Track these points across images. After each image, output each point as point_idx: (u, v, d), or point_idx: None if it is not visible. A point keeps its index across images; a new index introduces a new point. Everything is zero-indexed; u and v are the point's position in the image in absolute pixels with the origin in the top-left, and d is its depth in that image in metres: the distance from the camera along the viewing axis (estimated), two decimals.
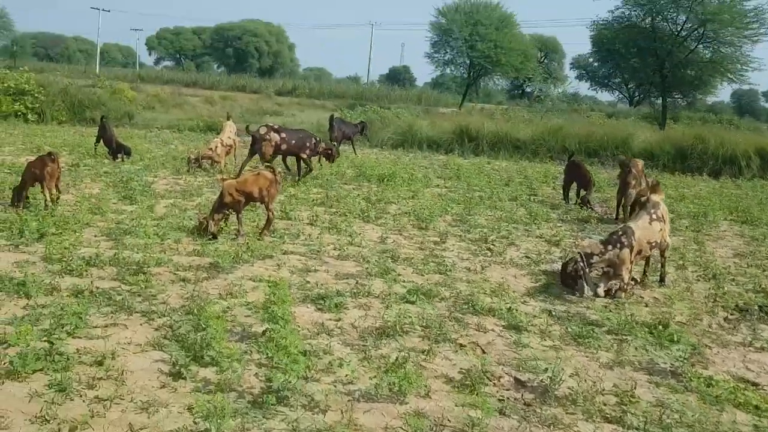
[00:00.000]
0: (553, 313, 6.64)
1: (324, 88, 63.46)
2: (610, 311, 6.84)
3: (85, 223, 8.83)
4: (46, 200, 9.53)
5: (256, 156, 13.46)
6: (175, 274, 7.01)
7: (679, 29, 34.18)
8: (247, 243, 8.29)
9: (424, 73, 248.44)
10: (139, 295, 6.28)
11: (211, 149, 14.70)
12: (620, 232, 7.55)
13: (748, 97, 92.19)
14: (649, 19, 34.87)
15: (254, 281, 6.94)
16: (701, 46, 34.59)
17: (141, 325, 5.60)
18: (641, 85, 41.28)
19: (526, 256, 9.02)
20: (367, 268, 7.70)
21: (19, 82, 23.31)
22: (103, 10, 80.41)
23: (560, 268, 7.54)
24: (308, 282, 7.01)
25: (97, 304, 5.95)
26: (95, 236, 8.39)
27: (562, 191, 13.87)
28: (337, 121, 19.69)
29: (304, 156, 13.76)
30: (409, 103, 53.04)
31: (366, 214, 10.81)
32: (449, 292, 7.05)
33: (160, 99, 34.40)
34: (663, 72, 34.87)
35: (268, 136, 13.32)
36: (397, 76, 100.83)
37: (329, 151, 14.26)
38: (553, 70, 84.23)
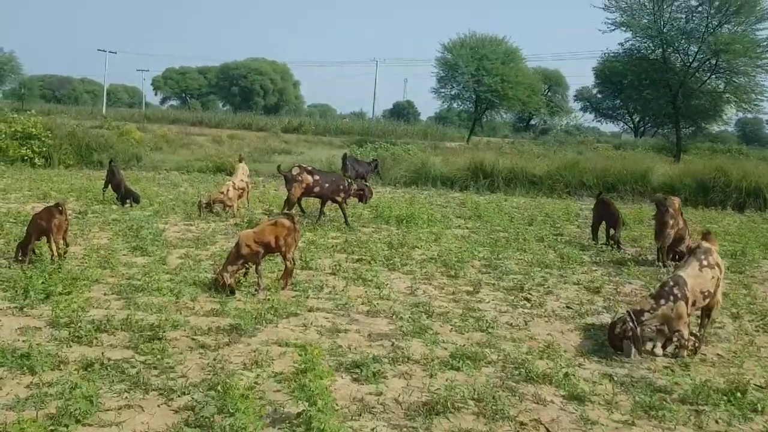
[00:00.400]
0: (615, 378, 5.96)
1: (330, 125, 63.49)
2: (676, 373, 6.17)
3: (93, 279, 8.24)
4: (53, 254, 8.95)
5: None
6: (193, 339, 6.38)
7: (690, 60, 33.85)
8: (269, 298, 7.67)
9: (427, 107, 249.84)
10: (155, 367, 5.65)
11: (222, 193, 14.16)
12: (671, 283, 6.83)
13: (752, 125, 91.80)
14: (660, 50, 34.56)
15: (280, 345, 6.30)
16: (714, 76, 34.21)
17: (158, 406, 4.95)
18: (654, 116, 40.88)
19: (568, 307, 8.38)
20: (401, 326, 7.07)
21: (26, 126, 22.93)
22: (109, 51, 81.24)
23: (608, 328, 6.84)
24: (340, 346, 6.37)
25: (109, 380, 5.31)
26: (105, 294, 7.79)
27: (591, 231, 13.23)
28: (350, 159, 19.23)
29: (339, 200, 13.26)
30: (415, 138, 52.90)
31: (390, 261, 10.20)
32: (496, 354, 6.39)
33: (168, 139, 34.07)
34: (676, 103, 34.45)
35: (300, 177, 12.86)
36: (401, 111, 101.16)
37: (361, 192, 13.79)
38: (557, 103, 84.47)
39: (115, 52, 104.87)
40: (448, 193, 21.18)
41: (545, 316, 7.86)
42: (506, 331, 7.13)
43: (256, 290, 8.11)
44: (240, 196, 14.55)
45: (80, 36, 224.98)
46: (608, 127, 79.30)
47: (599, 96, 73.03)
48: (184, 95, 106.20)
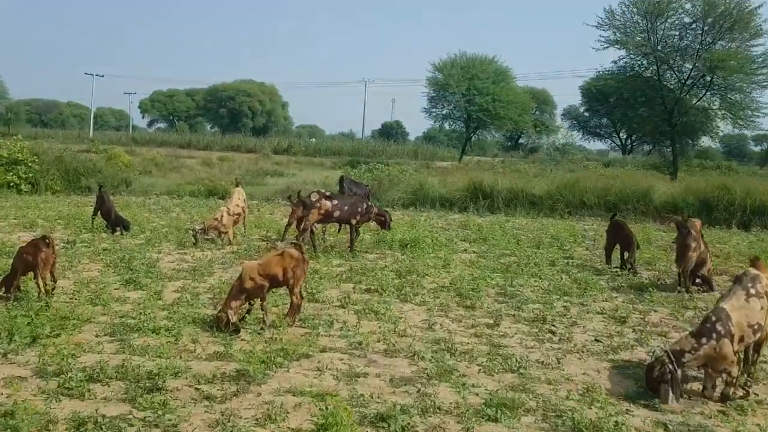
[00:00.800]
0: (670, 427, 5.37)
1: (320, 145, 63.12)
2: (734, 419, 5.59)
3: (84, 319, 7.57)
4: (39, 291, 8.29)
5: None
6: (196, 389, 5.73)
7: (685, 78, 33.67)
8: (276, 337, 7.05)
9: (415, 127, 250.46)
10: (156, 426, 4.99)
11: (216, 219, 13.51)
12: (713, 318, 6.13)
13: (737, 141, 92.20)
14: (654, 68, 34.37)
15: (295, 395, 5.67)
16: (709, 93, 34.04)
17: None
18: (650, 133, 40.69)
19: (597, 340, 7.80)
20: (424, 368, 6.45)
21: (12, 152, 22.19)
22: (96, 75, 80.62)
23: (645, 369, 6.22)
24: (361, 395, 5.73)
25: None
26: (97, 336, 7.13)
27: (604, 254, 12.70)
28: (347, 181, 18.60)
29: (354, 222, 12.85)
30: (405, 157, 52.62)
31: (401, 291, 9.60)
32: (533, 400, 5.78)
33: (157, 163, 33.33)
34: (672, 120, 34.21)
35: (318, 204, 12.38)
36: (390, 131, 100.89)
37: (382, 218, 13.30)
38: (545, 122, 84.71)
39: (102, 76, 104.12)
40: (448, 214, 20.62)
41: (576, 352, 7.27)
42: (539, 371, 6.53)
43: (261, 328, 7.48)
44: (236, 222, 13.92)
45: (67, 60, 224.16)
46: (595, 145, 79.37)
47: (586, 114, 73.26)
48: (171, 117, 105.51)
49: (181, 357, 6.47)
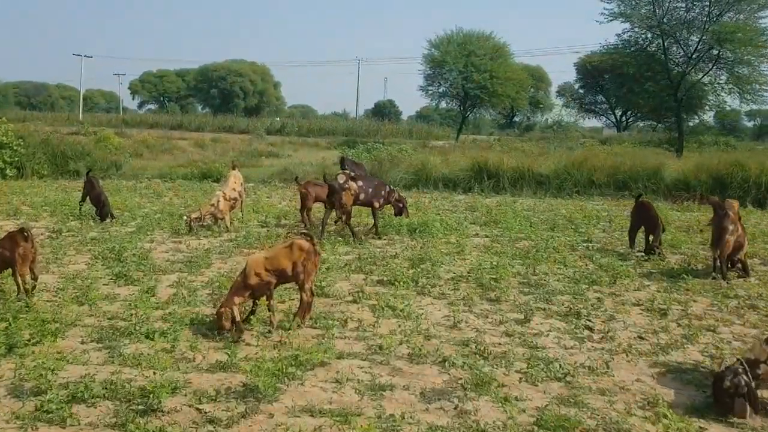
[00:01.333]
0: None
1: (313, 125, 62.03)
2: None
3: (68, 322, 6.74)
4: (18, 290, 7.45)
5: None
6: (197, 409, 4.91)
7: (692, 51, 32.69)
8: (286, 341, 6.24)
9: (408, 106, 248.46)
10: None
11: (212, 204, 12.63)
12: None
13: (731, 117, 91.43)
14: (659, 41, 33.38)
15: (313, 415, 4.86)
16: (715, 67, 33.11)
17: None
18: (655, 109, 39.80)
19: (640, 337, 7.02)
20: (458, 377, 5.64)
21: None
22: (85, 56, 78.92)
23: (713, 380, 5.41)
24: (390, 414, 4.91)
25: None
26: (82, 342, 6.29)
27: (628, 236, 11.91)
28: (349, 162, 17.73)
29: (377, 206, 12.19)
30: (400, 137, 51.71)
31: (417, 282, 8.78)
32: (591, 417, 4.99)
33: (148, 144, 32.31)
34: (677, 95, 33.28)
35: (347, 186, 11.67)
36: (383, 111, 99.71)
37: (400, 205, 12.59)
38: (540, 99, 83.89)
39: (91, 56, 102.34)
40: (452, 195, 19.81)
41: (622, 353, 6.48)
42: (587, 378, 5.73)
43: (269, 330, 6.65)
44: (233, 207, 13.04)
45: (55, 41, 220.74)
46: (589, 122, 78.44)
47: (581, 91, 72.40)
48: (162, 99, 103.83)
49: (178, 368, 5.65)
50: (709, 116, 41.58)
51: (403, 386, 5.44)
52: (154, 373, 5.34)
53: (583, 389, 5.48)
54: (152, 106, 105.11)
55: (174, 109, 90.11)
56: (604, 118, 74.34)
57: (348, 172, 12.47)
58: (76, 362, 5.74)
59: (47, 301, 7.56)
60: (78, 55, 79.12)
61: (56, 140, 23.85)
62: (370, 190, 12.04)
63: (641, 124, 70.41)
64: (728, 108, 37.52)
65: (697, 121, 41.42)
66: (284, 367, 5.57)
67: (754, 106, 37.12)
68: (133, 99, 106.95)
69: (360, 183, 11.95)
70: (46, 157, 22.14)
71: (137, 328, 6.51)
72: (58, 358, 5.75)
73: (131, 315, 6.94)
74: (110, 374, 5.39)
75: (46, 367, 5.35)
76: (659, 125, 47.16)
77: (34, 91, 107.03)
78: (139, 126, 54.85)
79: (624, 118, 67.58)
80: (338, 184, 11.73)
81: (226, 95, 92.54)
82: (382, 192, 12.22)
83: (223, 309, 6.49)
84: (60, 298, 7.65)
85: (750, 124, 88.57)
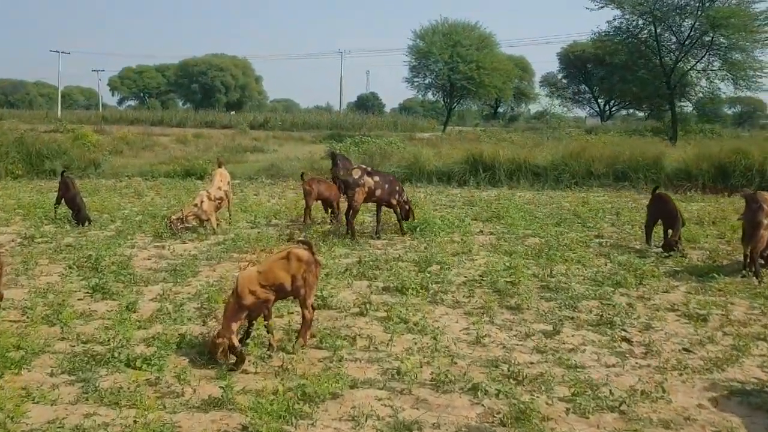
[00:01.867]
0: None
1: (297, 120, 60.96)
2: None
3: (36, 349, 5.83)
4: None
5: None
6: None
7: (684, 38, 32.03)
8: (289, 367, 5.39)
9: (391, 99, 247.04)
10: None
11: (196, 205, 11.74)
12: None
13: (712, 104, 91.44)
14: (651, 28, 32.68)
15: None
16: (708, 54, 32.48)
17: None
18: (647, 97, 39.18)
19: (686, 349, 6.25)
20: (494, 410, 4.82)
21: None
22: (62, 52, 77.12)
23: None
24: None
25: None
26: (52, 375, 5.39)
27: (644, 232, 11.17)
28: (340, 157, 16.87)
29: (395, 203, 11.47)
30: (385, 129, 50.98)
31: (427, 289, 7.95)
32: None
33: (128, 141, 31.05)
34: (670, 83, 32.63)
35: (362, 181, 10.97)
36: (366, 104, 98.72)
37: (407, 206, 11.83)
38: (523, 89, 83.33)
39: (69, 53, 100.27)
40: (447, 189, 19.02)
41: (672, 370, 5.69)
42: (645, 407, 4.92)
43: (269, 354, 5.79)
44: (218, 208, 12.15)
45: (33, 37, 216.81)
46: (572, 112, 78.02)
47: (564, 81, 71.94)
48: (142, 95, 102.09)
49: (164, 406, 4.77)
50: (687, 104, 40.89)
51: (432, 424, 4.60)
52: (135, 419, 4.44)
53: (643, 421, 4.68)
54: (132, 103, 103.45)
55: (155, 105, 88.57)
56: (588, 108, 73.99)
57: (364, 166, 11.66)
58: (43, 401, 4.85)
59: (13, 321, 6.65)
60: (56, 51, 77.13)
61: (31, 138, 22.70)
62: (387, 186, 11.32)
63: (624, 113, 70.03)
64: (723, 95, 36.89)
65: (687, 109, 40.84)
66: (289, 401, 4.72)
67: (749, 93, 36.46)
68: (112, 95, 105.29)
69: (376, 178, 11.23)
70: (21, 156, 21.01)
71: (116, 354, 5.62)
72: (22, 395, 4.86)
73: (109, 339, 6.04)
74: (83, 417, 4.52)
75: (5, 410, 4.46)
76: (649, 114, 46.54)
77: (12, 89, 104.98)
78: (119, 122, 53.40)
79: (607, 107, 67.16)
80: (353, 179, 10.96)
81: (207, 90, 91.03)
82: (397, 188, 11.51)
83: (219, 340, 5.60)
84: (28, 317, 6.72)
85: (730, 112, 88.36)
